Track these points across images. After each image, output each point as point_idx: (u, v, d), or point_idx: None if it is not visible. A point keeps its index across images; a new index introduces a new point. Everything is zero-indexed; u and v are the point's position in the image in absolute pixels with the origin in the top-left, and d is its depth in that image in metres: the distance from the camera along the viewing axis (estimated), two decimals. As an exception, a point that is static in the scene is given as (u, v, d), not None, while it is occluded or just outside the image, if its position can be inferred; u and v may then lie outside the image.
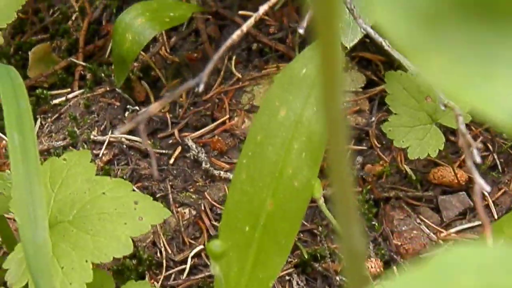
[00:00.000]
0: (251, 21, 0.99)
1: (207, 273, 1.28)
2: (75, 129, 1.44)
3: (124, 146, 1.41)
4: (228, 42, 0.91)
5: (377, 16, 0.43)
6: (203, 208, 1.34)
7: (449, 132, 1.32)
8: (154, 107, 0.85)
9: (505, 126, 0.41)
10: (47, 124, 1.46)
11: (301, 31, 0.94)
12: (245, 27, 0.95)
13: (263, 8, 0.94)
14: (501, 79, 0.41)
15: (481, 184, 0.81)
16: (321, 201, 1.04)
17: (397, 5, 0.43)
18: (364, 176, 1.35)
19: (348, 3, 1.01)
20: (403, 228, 1.30)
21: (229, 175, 1.36)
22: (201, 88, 0.87)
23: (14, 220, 1.11)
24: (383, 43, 1.11)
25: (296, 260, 1.28)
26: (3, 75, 1.04)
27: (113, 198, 1.09)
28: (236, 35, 0.92)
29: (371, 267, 1.23)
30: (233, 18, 1.53)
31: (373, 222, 1.31)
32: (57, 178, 1.12)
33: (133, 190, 1.10)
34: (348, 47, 1.11)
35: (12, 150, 0.96)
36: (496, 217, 1.30)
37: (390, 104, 1.26)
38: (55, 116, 1.47)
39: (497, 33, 0.41)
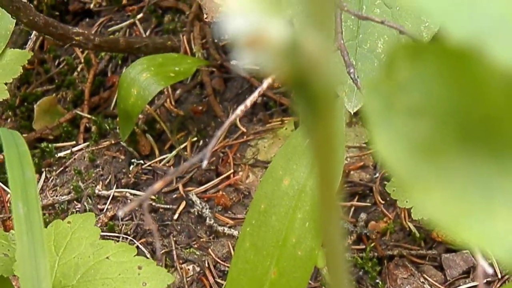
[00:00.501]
0: (259, 90, 0.99)
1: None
2: (80, 183, 1.44)
3: (129, 201, 1.41)
4: (232, 117, 0.91)
5: (378, 147, 0.43)
6: (207, 265, 1.34)
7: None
8: (158, 186, 0.85)
9: (505, 263, 0.41)
10: (52, 178, 1.47)
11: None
12: (249, 101, 0.95)
13: (262, 87, 0.94)
14: (501, 215, 0.41)
15: (484, 267, 0.81)
16: (325, 270, 1.04)
17: (398, 137, 0.44)
18: (368, 234, 1.34)
19: (352, 73, 1.01)
20: (407, 287, 1.30)
21: (233, 232, 1.35)
22: (204, 164, 0.87)
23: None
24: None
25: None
26: (8, 141, 1.04)
27: (117, 263, 1.09)
28: (240, 110, 0.92)
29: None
30: (237, 71, 1.53)
31: (377, 281, 1.31)
32: (62, 242, 1.12)
33: (137, 255, 1.10)
34: (352, 112, 1.11)
35: (17, 220, 0.96)
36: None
37: (393, 165, 1.26)
38: (60, 170, 1.47)
39: (499, 167, 0.41)
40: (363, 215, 1.36)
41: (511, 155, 0.41)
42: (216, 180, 1.43)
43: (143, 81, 1.39)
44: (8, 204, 1.39)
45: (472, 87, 0.42)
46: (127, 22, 1.65)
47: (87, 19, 1.69)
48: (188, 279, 1.34)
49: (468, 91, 0.42)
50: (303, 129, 0.40)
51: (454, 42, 0.41)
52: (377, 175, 1.39)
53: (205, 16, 1.32)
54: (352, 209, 1.38)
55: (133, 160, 1.47)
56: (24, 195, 0.97)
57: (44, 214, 1.35)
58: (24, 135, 1.50)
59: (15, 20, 1.35)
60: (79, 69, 1.61)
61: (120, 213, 1.31)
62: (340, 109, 1.03)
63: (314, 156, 0.42)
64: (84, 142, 1.51)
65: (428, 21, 1.12)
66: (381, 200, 1.37)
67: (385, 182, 1.38)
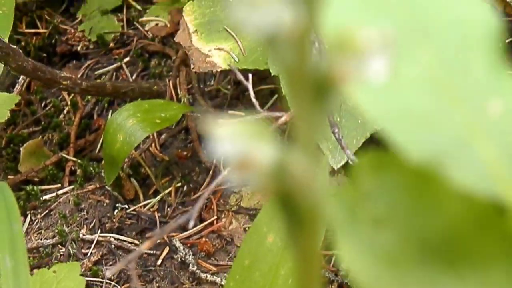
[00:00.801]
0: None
1: None
2: (64, 227, 1.44)
3: (113, 246, 1.41)
4: (212, 185, 0.92)
5: (343, 254, 0.44)
6: (189, 312, 1.35)
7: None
8: (145, 246, 0.86)
9: None
10: (36, 221, 1.47)
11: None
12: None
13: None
14: None
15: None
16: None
17: (361, 245, 0.45)
18: (349, 283, 1.35)
19: (336, 133, 1.03)
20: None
21: (216, 278, 1.36)
22: (191, 224, 0.88)
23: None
24: (350, 161, 1.13)
25: None
26: (-4, 192, 1.05)
27: (101, 314, 1.10)
28: (219, 179, 0.93)
29: None
30: (223, 117, 1.55)
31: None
32: (47, 291, 1.13)
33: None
34: (335, 168, 1.13)
35: (4, 274, 0.96)
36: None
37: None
38: (44, 213, 1.48)
39: (456, 280, 0.43)
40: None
41: (466, 269, 0.43)
42: (199, 226, 1.44)
43: (129, 127, 1.40)
44: None
45: (431, 203, 0.43)
46: (114, 66, 1.67)
47: (74, 61, 1.70)
48: (170, 326, 1.34)
49: (427, 206, 0.43)
50: (288, 240, 0.41)
51: (413, 161, 0.43)
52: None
53: (192, 66, 1.33)
54: (333, 257, 1.39)
55: (117, 205, 1.47)
56: (12, 249, 0.98)
57: (28, 258, 1.35)
58: (10, 177, 1.51)
59: (3, 65, 1.36)
60: (65, 111, 1.62)
61: (108, 274, 1.31)
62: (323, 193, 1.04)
63: (296, 262, 0.43)
64: (69, 185, 1.52)
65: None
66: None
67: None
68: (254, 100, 1.03)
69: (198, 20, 1.37)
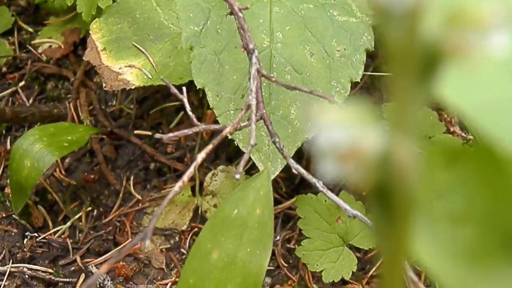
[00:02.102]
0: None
1: None
2: (-28, 261, 1.33)
3: (26, 276, 1.31)
4: (169, 196, 0.85)
5: (422, 255, 0.40)
6: (113, 338, 1.26)
7: (355, 249, 1.30)
8: (103, 270, 0.78)
9: None
10: None
11: (237, 176, 0.90)
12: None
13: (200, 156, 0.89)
14: None
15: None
16: None
17: (440, 244, 0.41)
18: (273, 297, 1.31)
19: (277, 142, 0.98)
20: None
21: (137, 302, 1.29)
22: (147, 244, 0.81)
23: None
24: (294, 170, 1.09)
25: None
26: None
27: None
28: (178, 186, 0.87)
29: None
30: (129, 137, 1.47)
31: None
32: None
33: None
34: (272, 177, 1.08)
35: None
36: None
37: (303, 228, 1.24)
38: None
39: None
40: (267, 279, 1.32)
41: None
42: (114, 250, 1.36)
43: (37, 152, 1.30)
44: None
45: None
46: (9, 91, 1.56)
47: (-34, 88, 1.59)
48: None
49: (508, 198, 0.40)
50: (378, 235, 0.36)
51: (504, 150, 0.40)
52: (278, 237, 1.36)
53: (104, 85, 1.26)
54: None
55: (26, 233, 1.37)
56: None
57: None
58: None
59: None
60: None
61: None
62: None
63: (385, 257, 0.39)
64: (-27, 216, 1.40)
65: (339, 87, 1.11)
66: (284, 263, 1.34)
67: (287, 245, 1.36)
68: (190, 113, 0.97)
69: (106, 38, 1.30)
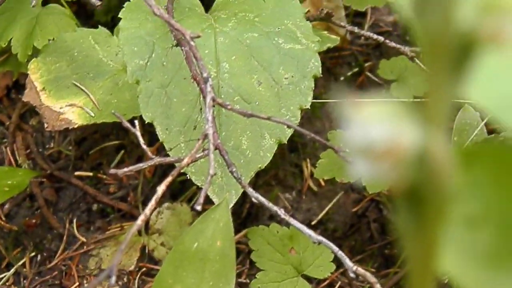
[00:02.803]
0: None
1: None
2: None
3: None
4: (141, 217, 0.82)
5: (445, 262, 0.39)
6: None
7: (309, 279, 1.28)
8: None
9: None
10: None
11: (198, 207, 0.87)
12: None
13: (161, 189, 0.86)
14: None
15: None
16: None
17: (461, 249, 0.40)
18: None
19: (234, 172, 0.96)
20: None
21: None
22: (113, 281, 0.77)
23: None
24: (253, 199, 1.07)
25: None
26: None
27: None
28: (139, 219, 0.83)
29: None
30: (69, 179, 1.42)
31: None
32: None
33: None
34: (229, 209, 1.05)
35: None
36: None
37: (256, 261, 1.21)
38: None
39: None
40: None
41: None
42: (63, 294, 1.31)
43: (-24, 198, 1.25)
44: None
45: None
46: None
47: None
48: None
49: None
50: (407, 241, 0.34)
51: None
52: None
53: (46, 125, 1.21)
54: None
55: (-31, 283, 1.31)
56: None
57: None
58: None
59: None
60: None
61: None
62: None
63: (414, 262, 0.37)
64: None
65: (289, 114, 1.09)
66: (237, 297, 1.31)
67: (238, 279, 1.33)
68: (144, 146, 0.94)
69: (45, 78, 1.26)
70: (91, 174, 1.44)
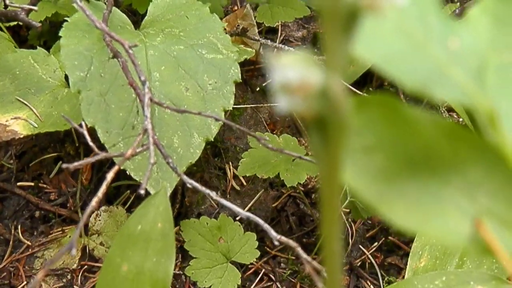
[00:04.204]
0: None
1: None
2: None
3: None
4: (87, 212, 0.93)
5: (348, 180, 0.52)
6: None
7: (237, 264, 1.41)
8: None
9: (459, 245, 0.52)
10: None
11: (142, 191, 0.99)
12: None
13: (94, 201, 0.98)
14: (450, 213, 0.52)
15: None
16: None
17: (360, 170, 0.53)
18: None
19: (171, 163, 1.08)
20: None
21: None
22: (73, 252, 0.89)
23: None
24: (188, 185, 1.18)
25: None
26: None
27: None
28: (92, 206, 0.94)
29: None
30: (12, 190, 1.52)
31: None
32: None
33: None
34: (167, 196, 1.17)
35: None
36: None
37: (189, 250, 1.33)
38: None
39: (439, 181, 0.53)
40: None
41: (448, 173, 0.52)
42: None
43: None
44: None
45: (409, 130, 0.53)
46: None
47: None
48: None
49: (407, 132, 0.53)
50: (317, 157, 0.47)
51: (407, 89, 0.52)
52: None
53: (-7, 136, 1.32)
54: None
55: None
56: None
57: None
58: None
59: None
60: None
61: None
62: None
63: (323, 174, 0.50)
64: None
65: (214, 129, 1.22)
66: None
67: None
68: (91, 143, 1.05)
69: (-10, 94, 1.36)
70: (32, 184, 1.54)
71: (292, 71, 0.43)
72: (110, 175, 0.98)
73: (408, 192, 0.53)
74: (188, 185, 1.07)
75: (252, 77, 1.64)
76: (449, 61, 0.53)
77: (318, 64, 0.45)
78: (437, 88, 0.52)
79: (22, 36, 1.65)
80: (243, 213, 1.04)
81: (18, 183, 1.53)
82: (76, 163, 1.02)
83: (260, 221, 1.05)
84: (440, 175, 0.53)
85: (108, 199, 1.52)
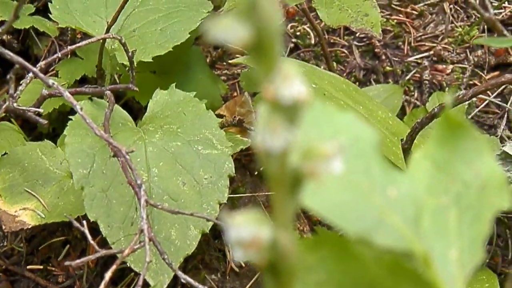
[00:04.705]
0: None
1: None
2: None
3: None
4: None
5: None
6: None
7: None
8: None
9: None
10: None
11: (138, 289, 1.06)
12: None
13: None
14: None
15: None
16: None
17: None
18: None
19: (166, 259, 1.15)
20: None
21: None
22: None
23: None
24: (182, 280, 1.25)
25: None
26: None
27: None
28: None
29: None
30: (22, 273, 1.60)
31: None
32: None
33: None
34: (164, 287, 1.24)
35: None
36: None
37: None
38: None
39: None
40: None
41: None
42: None
43: None
44: None
45: (357, 266, 0.59)
46: None
47: None
48: None
49: (354, 268, 0.59)
50: None
51: (349, 235, 0.59)
52: None
53: (3, 227, 1.39)
54: None
55: None
56: None
57: None
58: None
59: None
60: None
61: None
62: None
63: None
64: None
65: (209, 208, 1.30)
66: None
67: None
68: (92, 242, 1.13)
69: (0, 186, 1.44)
70: (41, 267, 1.61)
71: (244, 230, 0.50)
72: (108, 275, 1.05)
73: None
74: (183, 281, 1.14)
75: (250, 162, 1.72)
76: (388, 208, 0.60)
77: (267, 221, 0.52)
78: (378, 235, 0.59)
79: (31, 124, 1.74)
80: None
81: (28, 266, 1.60)
82: (78, 261, 1.10)
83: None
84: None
85: (113, 281, 1.59)
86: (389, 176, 0.62)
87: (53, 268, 1.62)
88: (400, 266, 0.60)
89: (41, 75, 1.12)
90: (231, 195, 1.32)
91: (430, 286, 0.60)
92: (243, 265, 1.62)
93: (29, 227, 1.40)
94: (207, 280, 1.60)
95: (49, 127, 1.73)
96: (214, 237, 1.64)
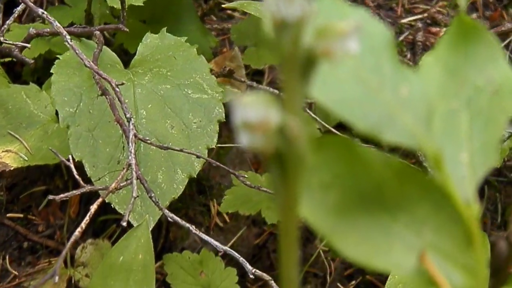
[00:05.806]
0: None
1: None
2: None
3: None
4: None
5: (305, 214, 0.56)
6: None
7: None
8: None
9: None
10: None
11: (124, 223, 1.03)
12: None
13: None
14: (397, 249, 0.56)
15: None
16: None
17: (316, 205, 0.57)
18: None
19: (153, 197, 1.12)
20: None
21: None
22: (56, 279, 0.92)
23: None
24: (169, 218, 1.22)
25: None
26: None
27: None
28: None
29: None
30: (2, 221, 1.56)
31: None
32: None
33: None
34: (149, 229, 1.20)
35: None
36: None
37: (171, 283, 1.36)
38: None
39: (389, 217, 0.56)
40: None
41: (397, 211, 0.56)
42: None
43: None
44: None
45: (362, 169, 0.57)
46: None
47: None
48: None
49: (359, 171, 0.57)
50: (276, 191, 0.51)
51: (358, 132, 0.56)
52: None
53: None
54: None
55: None
56: None
57: None
58: None
59: None
60: None
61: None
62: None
63: (281, 205, 0.53)
64: None
65: (198, 153, 1.26)
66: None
67: None
68: (77, 176, 1.09)
69: (-18, 127, 1.40)
70: (21, 215, 1.57)
71: (252, 111, 0.47)
72: (94, 207, 1.02)
73: (359, 227, 0.57)
74: (170, 219, 1.11)
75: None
76: (399, 106, 0.57)
77: (277, 104, 0.49)
78: (388, 131, 0.56)
79: (16, 72, 1.70)
80: (222, 247, 1.08)
81: (8, 214, 1.56)
82: (62, 195, 1.06)
83: (236, 255, 1.09)
84: (389, 211, 0.57)
85: (95, 232, 1.56)
86: (401, 75, 0.59)
87: (34, 217, 1.58)
88: (409, 171, 0.57)
89: (31, 4, 1.08)
90: (219, 145, 1.29)
91: (439, 190, 0.57)
92: (228, 220, 1.59)
93: (12, 168, 1.36)
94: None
95: (33, 76, 1.69)
96: (199, 192, 1.61)
